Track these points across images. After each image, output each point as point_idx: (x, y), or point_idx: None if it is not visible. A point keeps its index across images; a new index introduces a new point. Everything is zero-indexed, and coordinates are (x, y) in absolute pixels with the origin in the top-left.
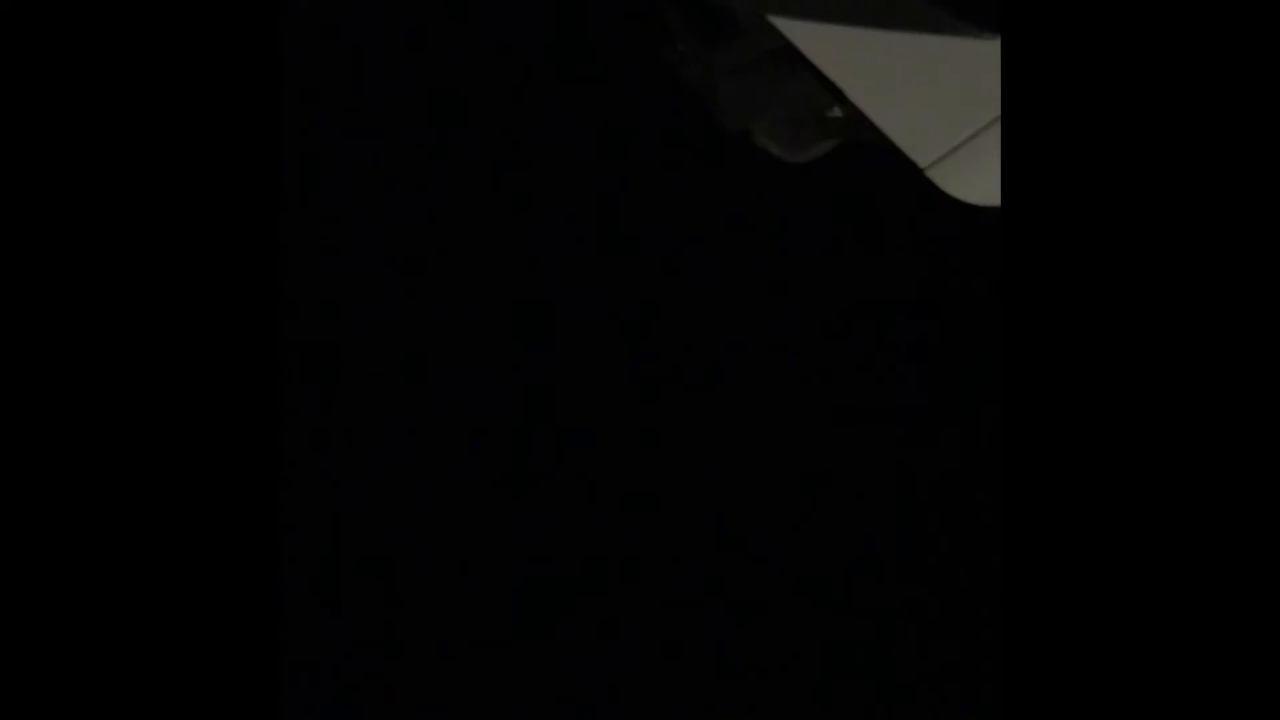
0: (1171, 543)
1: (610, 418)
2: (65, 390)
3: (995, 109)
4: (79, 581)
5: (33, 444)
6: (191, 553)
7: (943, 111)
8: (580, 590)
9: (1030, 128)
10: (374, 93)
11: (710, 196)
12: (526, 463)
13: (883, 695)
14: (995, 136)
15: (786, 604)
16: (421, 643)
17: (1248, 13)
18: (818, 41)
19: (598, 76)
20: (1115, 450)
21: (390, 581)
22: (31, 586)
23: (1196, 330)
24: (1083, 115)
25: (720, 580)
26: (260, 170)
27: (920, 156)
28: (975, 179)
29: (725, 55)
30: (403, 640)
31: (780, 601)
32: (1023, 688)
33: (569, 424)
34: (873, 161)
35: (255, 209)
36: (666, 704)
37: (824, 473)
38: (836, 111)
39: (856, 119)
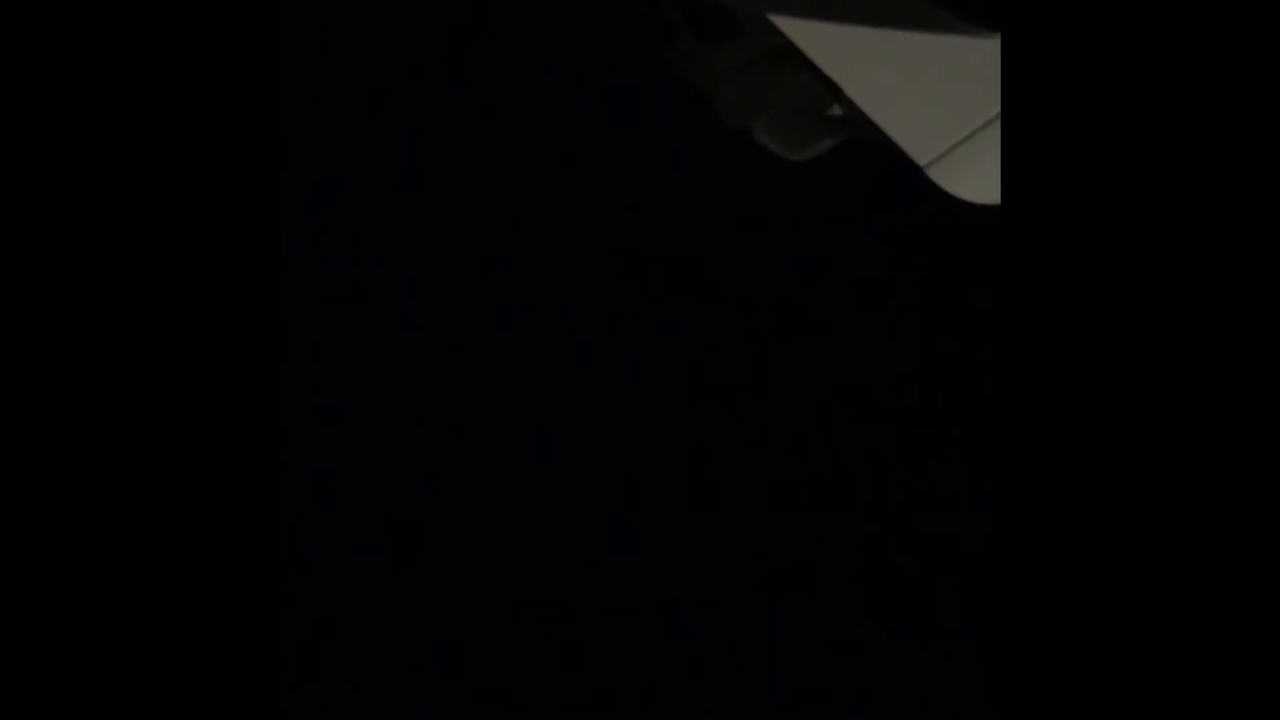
0: (1172, 542)
1: (609, 416)
2: (63, 388)
3: (995, 107)
4: (78, 580)
5: (30, 441)
6: (190, 553)
7: (942, 110)
8: (579, 590)
9: (1030, 126)
10: (374, 92)
11: (710, 195)
12: (524, 460)
13: (882, 695)
14: (995, 134)
15: (786, 603)
16: (422, 642)
17: (1248, 12)
18: (818, 40)
19: (598, 76)
20: (1115, 448)
21: (390, 582)
22: (29, 585)
23: (1197, 328)
24: (1083, 114)
25: (720, 580)
26: (260, 170)
27: (920, 155)
28: (975, 177)
29: (725, 53)
30: (402, 640)
31: (780, 600)
32: (1024, 687)
33: (568, 423)
34: (873, 160)
35: (255, 209)
36: (668, 702)
37: (823, 472)
38: (837, 110)
39: (856, 117)
